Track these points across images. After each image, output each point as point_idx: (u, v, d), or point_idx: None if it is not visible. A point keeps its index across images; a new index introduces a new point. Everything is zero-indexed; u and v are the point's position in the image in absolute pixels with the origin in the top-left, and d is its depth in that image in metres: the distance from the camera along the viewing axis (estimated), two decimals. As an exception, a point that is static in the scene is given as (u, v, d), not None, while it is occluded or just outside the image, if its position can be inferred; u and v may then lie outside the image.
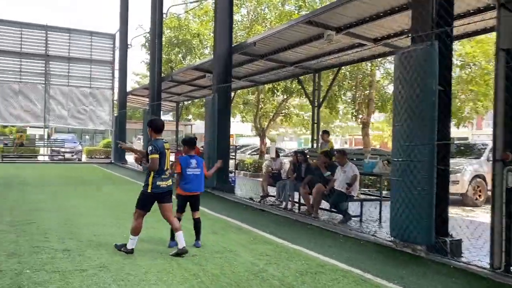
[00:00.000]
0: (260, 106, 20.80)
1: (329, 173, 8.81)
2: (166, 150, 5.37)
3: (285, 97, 20.09)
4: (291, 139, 58.31)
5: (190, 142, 6.12)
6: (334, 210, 8.42)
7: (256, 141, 41.34)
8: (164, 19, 18.96)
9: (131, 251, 5.35)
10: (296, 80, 15.88)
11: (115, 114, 25.47)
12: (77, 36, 25.77)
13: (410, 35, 6.30)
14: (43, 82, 24.75)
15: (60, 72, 25.33)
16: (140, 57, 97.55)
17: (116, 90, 25.80)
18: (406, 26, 9.45)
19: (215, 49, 12.33)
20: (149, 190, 5.27)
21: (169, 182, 5.48)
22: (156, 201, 5.43)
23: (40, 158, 25.23)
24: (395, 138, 6.14)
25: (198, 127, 45.43)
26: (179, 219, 5.88)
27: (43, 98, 24.66)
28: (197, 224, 6.01)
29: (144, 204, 5.39)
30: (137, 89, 25.27)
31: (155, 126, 5.41)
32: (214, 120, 11.92)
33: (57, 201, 9.48)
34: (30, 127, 35.84)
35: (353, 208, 8.84)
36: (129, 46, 24.15)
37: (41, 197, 9.97)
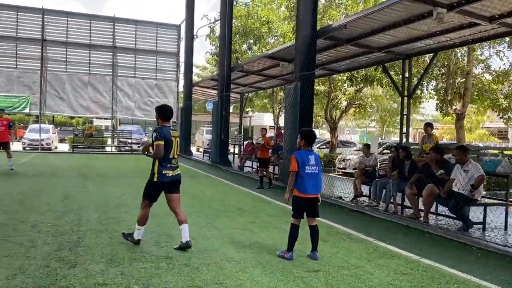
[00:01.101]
0: (331, 96, 19.58)
1: (442, 171, 7.60)
2: (173, 138, 5.04)
3: (360, 86, 18.73)
4: (349, 131, 56.30)
5: (310, 135, 5.20)
6: (453, 215, 7.21)
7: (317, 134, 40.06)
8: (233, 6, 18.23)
9: (137, 242, 5.09)
10: (380, 68, 14.55)
11: (180, 106, 25.28)
12: (143, 28, 25.81)
13: None
14: (111, 73, 25.01)
15: (127, 63, 25.49)
16: (201, 48, 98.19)
17: (181, 82, 25.64)
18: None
19: (297, 34, 11.38)
20: (155, 179, 5.01)
21: (177, 171, 5.16)
22: (163, 191, 5.15)
23: (107, 149, 25.59)
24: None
25: (256, 118, 44.78)
26: (298, 226, 5.01)
27: (111, 90, 24.94)
28: (314, 232, 5.10)
29: (149, 193, 5.13)
30: (203, 80, 24.82)
31: (163, 113, 5.12)
32: (296, 110, 11.00)
33: (138, 196, 8.94)
34: (96, 118, 36.89)
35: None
36: (194, 37, 23.76)
37: (121, 191, 9.54)
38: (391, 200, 8.41)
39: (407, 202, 8.44)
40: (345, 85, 19.43)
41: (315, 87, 21.10)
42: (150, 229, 5.96)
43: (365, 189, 9.79)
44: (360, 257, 5.13)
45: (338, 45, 12.19)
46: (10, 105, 22.77)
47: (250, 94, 26.48)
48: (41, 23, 23.61)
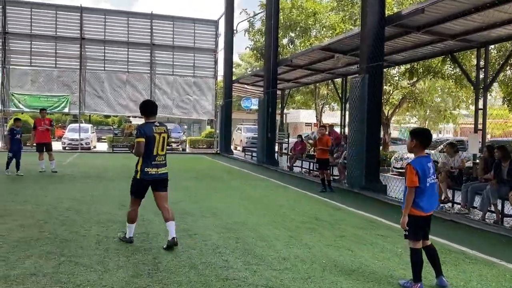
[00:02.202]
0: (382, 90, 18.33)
1: (558, 176, 6.45)
2: (157, 135, 4.89)
3: (415, 80, 17.43)
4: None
5: (425, 135, 4.09)
6: None
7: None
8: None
9: (130, 240, 5.04)
10: (448, 58, 13.28)
11: (220, 103, 24.57)
12: (180, 24, 25.17)
13: None
14: (149, 71, 24.53)
15: (165, 61, 24.95)
16: (235, 45, 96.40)
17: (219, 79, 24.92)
18: None
19: (363, 22, 10.34)
20: (138, 177, 4.92)
21: (163, 169, 5.00)
22: (150, 188, 5.02)
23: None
24: None
25: (292, 116, 43.69)
26: (420, 250, 4.00)
27: (149, 88, 24.47)
28: (433, 253, 4.09)
29: (135, 190, 5.01)
30: (245, 77, 24.01)
31: (144, 109, 5.00)
32: (364, 106, 9.98)
33: (197, 201, 8.21)
34: (132, 117, 36.68)
35: None
36: (234, 32, 22.96)
37: (177, 196, 8.73)
38: (491, 208, 7.28)
39: (507, 209, 7.34)
40: (396, 78, 18.21)
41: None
42: (230, 246, 5.13)
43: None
44: (501, 286, 4.11)
45: (405, 33, 11.07)
46: (51, 105, 22.58)
47: (290, 90, 25.43)
48: (79, 21, 23.34)
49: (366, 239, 5.77)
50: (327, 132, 10.88)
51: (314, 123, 42.87)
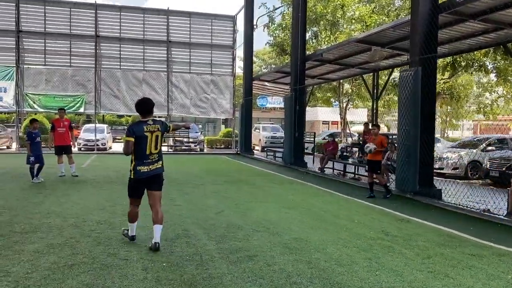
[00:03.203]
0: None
1: None
2: (149, 133, 4.79)
3: (449, 75, 16.37)
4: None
5: None
6: None
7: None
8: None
9: (132, 238, 5.06)
10: (501, 51, 12.24)
11: (237, 102, 23.68)
12: (197, 20, 24.33)
13: None
14: (165, 69, 23.72)
15: (182, 58, 24.14)
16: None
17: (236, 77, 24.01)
18: None
19: (413, 9, 9.37)
20: (131, 176, 4.87)
21: (155, 165, 4.89)
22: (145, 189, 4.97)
23: (163, 148, 24.24)
24: None
25: (309, 113, 42.57)
26: None
27: (166, 87, 23.67)
28: None
29: (131, 191, 4.99)
30: (267, 73, 23.07)
31: (137, 108, 4.91)
32: (417, 101, 9.01)
33: (240, 210, 7.30)
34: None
35: None
36: (254, 27, 22.03)
37: (216, 204, 7.89)
38: None
39: None
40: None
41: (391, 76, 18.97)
42: (303, 273, 4.24)
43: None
44: None
45: (456, 22, 10.10)
46: (66, 105, 21.74)
47: (313, 88, 24.43)
48: (94, 19, 22.61)
49: (458, 260, 4.82)
50: (375, 131, 9.85)
51: (332, 122, 41.88)
